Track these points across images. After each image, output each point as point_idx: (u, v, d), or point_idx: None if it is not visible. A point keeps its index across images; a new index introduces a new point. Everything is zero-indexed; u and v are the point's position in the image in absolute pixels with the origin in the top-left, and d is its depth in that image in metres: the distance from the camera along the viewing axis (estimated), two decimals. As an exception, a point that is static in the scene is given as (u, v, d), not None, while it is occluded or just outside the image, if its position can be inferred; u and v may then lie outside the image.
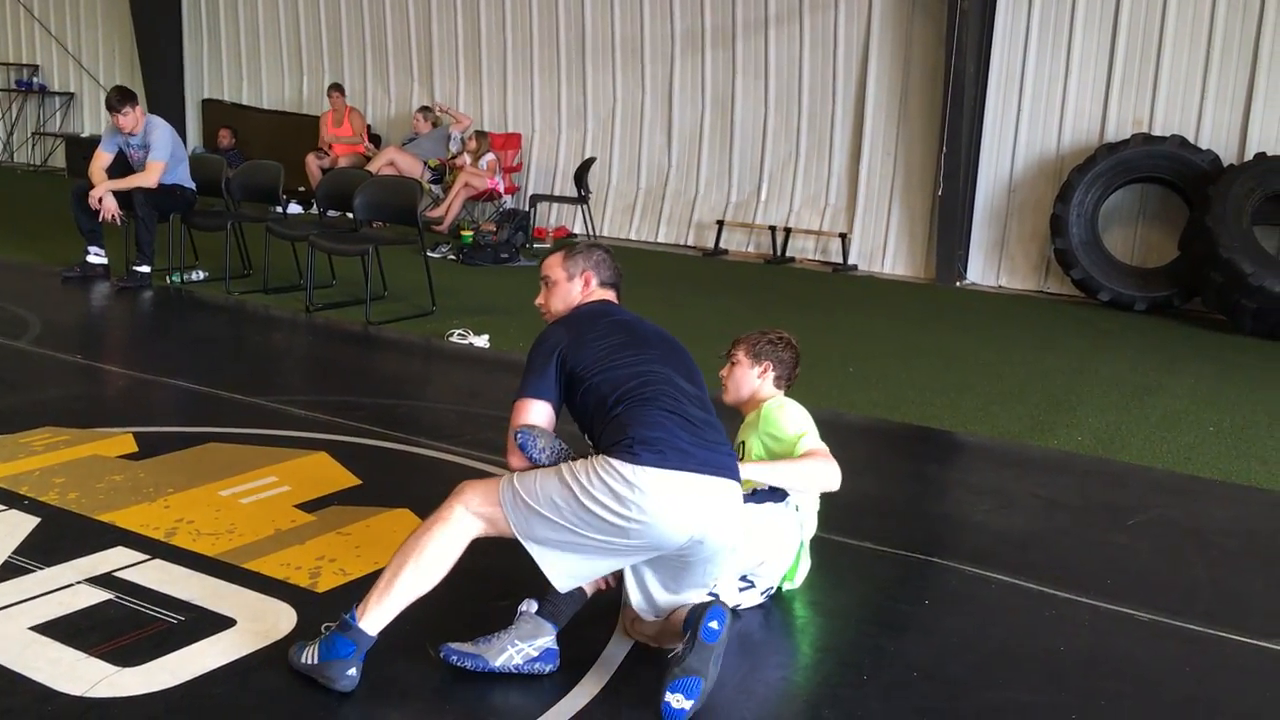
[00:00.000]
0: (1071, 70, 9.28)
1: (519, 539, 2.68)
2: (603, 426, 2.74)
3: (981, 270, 9.88)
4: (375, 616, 2.64)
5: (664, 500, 2.60)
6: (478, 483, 2.76)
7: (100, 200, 7.48)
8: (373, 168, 10.70)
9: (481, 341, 6.55)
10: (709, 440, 2.77)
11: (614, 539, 2.63)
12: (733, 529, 2.78)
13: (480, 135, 11.24)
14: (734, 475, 2.80)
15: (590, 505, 2.60)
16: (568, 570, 2.71)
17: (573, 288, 3.13)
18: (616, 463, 2.61)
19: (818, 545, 3.65)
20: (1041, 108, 9.48)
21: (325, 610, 3.05)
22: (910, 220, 10.15)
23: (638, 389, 2.77)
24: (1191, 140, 8.72)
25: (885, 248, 10.26)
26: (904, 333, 7.67)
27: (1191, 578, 3.70)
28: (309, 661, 2.68)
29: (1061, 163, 9.36)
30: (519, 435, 2.78)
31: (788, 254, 10.48)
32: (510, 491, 2.69)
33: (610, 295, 3.17)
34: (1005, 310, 8.84)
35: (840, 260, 10.29)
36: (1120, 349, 7.44)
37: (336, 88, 12.08)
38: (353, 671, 2.63)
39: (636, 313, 3.12)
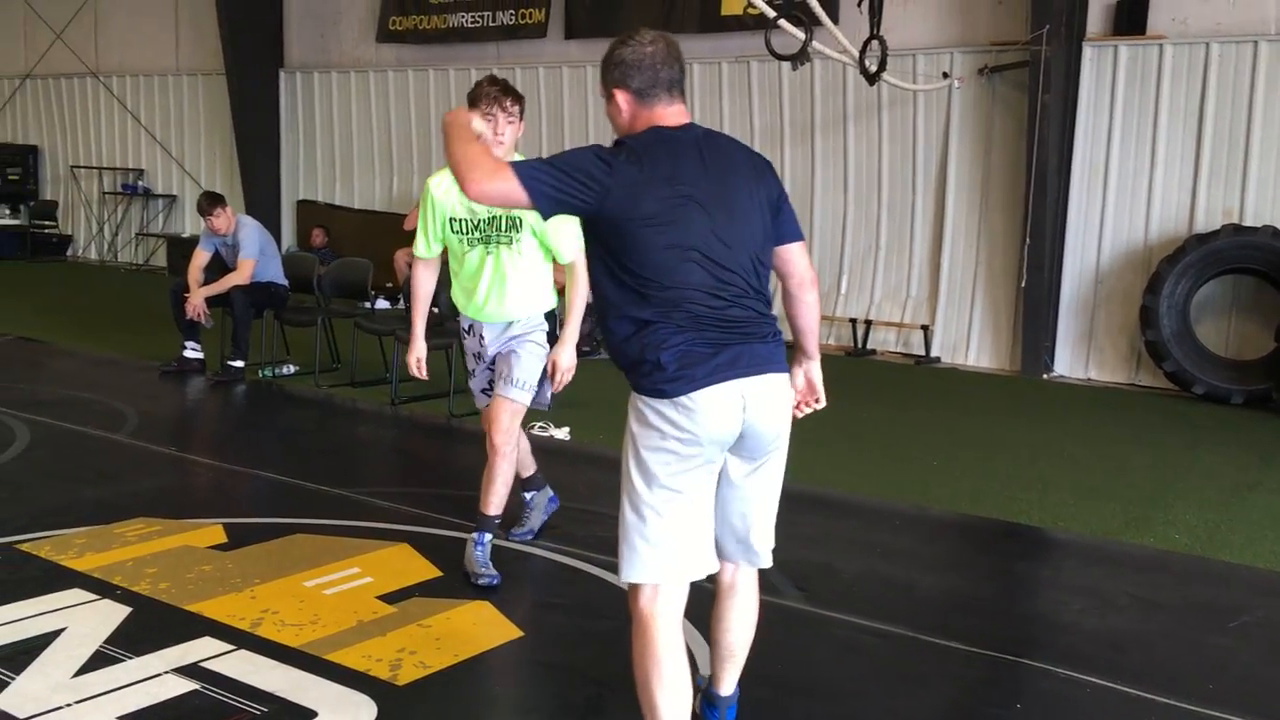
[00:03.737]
0: (1158, 162, 9.18)
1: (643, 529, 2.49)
2: (630, 326, 2.46)
3: (1069, 363, 9.70)
4: None
5: (711, 410, 2.42)
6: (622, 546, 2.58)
7: (193, 305, 7.77)
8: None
9: (562, 434, 6.59)
10: (739, 333, 2.48)
11: (684, 449, 2.44)
12: (781, 418, 2.56)
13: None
14: (778, 367, 2.54)
15: (658, 442, 2.43)
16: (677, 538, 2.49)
17: (615, 116, 2.48)
18: (655, 401, 2.44)
19: (900, 644, 3.54)
20: (1128, 199, 9.37)
21: (404, 703, 3.05)
22: (994, 312, 10.04)
23: (661, 287, 2.41)
24: (1284, 230, 8.55)
25: (969, 340, 10.15)
26: (988, 426, 7.54)
27: (1300, 684, 3.53)
28: None
29: (1150, 253, 9.21)
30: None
31: (869, 346, 10.42)
32: (624, 502, 2.52)
33: (662, 110, 2.43)
34: (1094, 403, 8.65)
35: (923, 352, 10.19)
36: (1217, 443, 7.21)
37: None
38: None
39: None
